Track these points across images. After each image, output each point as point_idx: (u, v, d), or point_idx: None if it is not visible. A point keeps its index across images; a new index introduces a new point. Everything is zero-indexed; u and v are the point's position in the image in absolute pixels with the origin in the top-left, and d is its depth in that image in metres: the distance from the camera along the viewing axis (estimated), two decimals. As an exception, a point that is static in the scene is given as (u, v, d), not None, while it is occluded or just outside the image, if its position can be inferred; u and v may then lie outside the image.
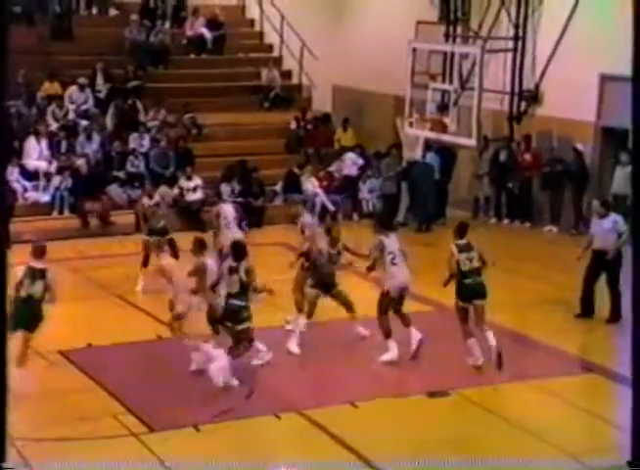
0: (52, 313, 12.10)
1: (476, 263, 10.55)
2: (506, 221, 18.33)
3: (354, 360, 10.95)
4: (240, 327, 9.87)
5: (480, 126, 17.02)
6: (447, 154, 18.58)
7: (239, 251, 10.19)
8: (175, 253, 13.69)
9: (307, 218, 12.94)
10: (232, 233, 13.48)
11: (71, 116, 18.74)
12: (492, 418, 9.58)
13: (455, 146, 18.09)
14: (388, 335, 10.65)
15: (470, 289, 10.50)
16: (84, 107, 19.04)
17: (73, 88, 19.11)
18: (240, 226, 14.75)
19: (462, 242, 10.67)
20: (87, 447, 8.67)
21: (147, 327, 11.86)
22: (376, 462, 8.53)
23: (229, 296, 9.93)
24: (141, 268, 13.67)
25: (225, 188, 18.30)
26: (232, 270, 9.96)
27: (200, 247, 10.27)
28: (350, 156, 19.45)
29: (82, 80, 19.15)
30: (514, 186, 18.13)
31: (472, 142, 17.16)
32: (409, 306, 13.05)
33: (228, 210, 14.38)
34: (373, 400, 9.75)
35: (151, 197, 14.51)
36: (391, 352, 10.65)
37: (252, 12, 22.78)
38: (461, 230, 10.81)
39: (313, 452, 8.86)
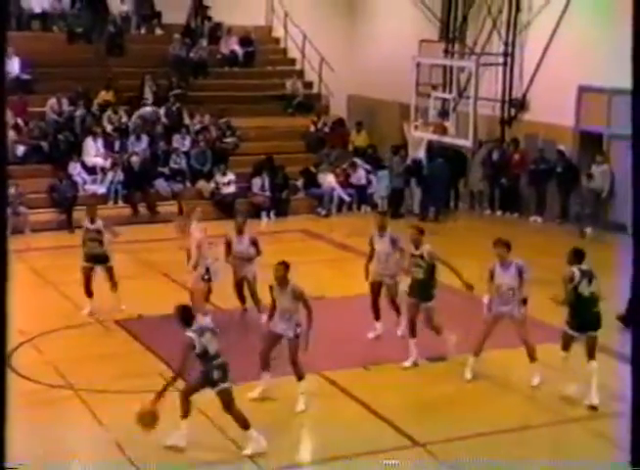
0: (107, 289, 12.31)
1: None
2: (498, 212, 18.36)
3: (364, 332, 10.81)
4: None
5: (476, 130, 17.06)
6: (459, 157, 18.51)
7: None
8: (112, 281, 11.46)
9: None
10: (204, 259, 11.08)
11: (124, 119, 18.86)
12: (481, 380, 9.63)
13: (464, 151, 18.09)
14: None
15: None
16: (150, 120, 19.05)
17: (147, 109, 19.07)
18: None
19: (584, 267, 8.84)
20: (139, 399, 8.83)
21: (188, 301, 11.98)
22: (385, 415, 8.64)
23: None
24: (85, 295, 11.46)
25: (256, 181, 18.40)
26: None
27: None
28: (361, 171, 19.23)
29: (151, 100, 19.24)
30: (504, 181, 18.19)
31: (468, 143, 17.21)
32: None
33: (195, 233, 11.16)
34: (382, 365, 9.84)
35: (92, 221, 11.54)
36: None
37: (278, 31, 22.82)
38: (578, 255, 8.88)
39: (332, 409, 8.94)
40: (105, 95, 19.10)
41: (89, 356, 10.05)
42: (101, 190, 17.51)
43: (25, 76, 18.73)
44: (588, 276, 8.64)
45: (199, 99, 19.97)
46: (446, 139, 17.48)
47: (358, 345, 10.44)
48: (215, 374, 7.56)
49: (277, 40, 23.00)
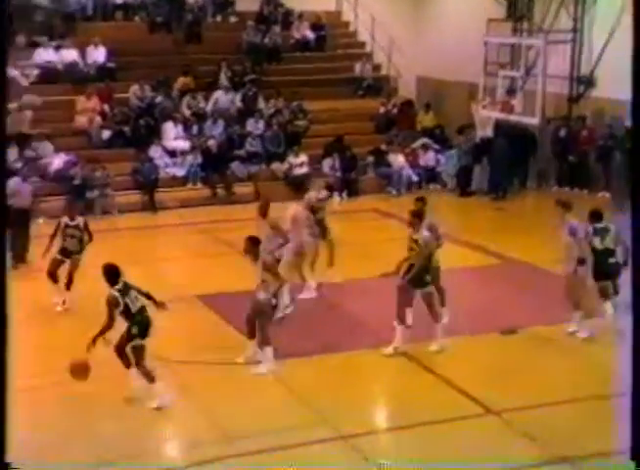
0: (189, 266, 12.57)
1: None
2: (566, 188, 18.05)
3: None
4: None
5: (544, 107, 16.76)
6: (527, 135, 18.17)
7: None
8: (71, 275, 11.15)
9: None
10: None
11: (202, 104, 19.11)
12: (552, 350, 9.60)
13: (532, 129, 17.77)
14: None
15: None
16: (225, 106, 19.18)
17: (220, 92, 19.26)
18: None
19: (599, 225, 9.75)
20: (224, 370, 9.04)
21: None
22: (459, 385, 8.69)
23: None
24: (54, 285, 11.18)
25: (327, 162, 18.45)
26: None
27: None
28: (431, 152, 19.09)
29: (226, 85, 19.32)
30: (572, 158, 17.85)
31: (535, 121, 16.93)
32: (482, 260, 13.11)
33: (299, 212, 11.44)
34: (452, 337, 9.81)
35: (72, 218, 11.28)
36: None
37: (348, 16, 22.75)
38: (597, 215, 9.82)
39: (406, 379, 9.04)
40: (183, 81, 19.34)
41: (174, 330, 10.29)
42: (180, 172, 17.77)
43: (110, 65, 19.14)
44: (601, 233, 9.60)
45: (272, 84, 20.07)
46: (513, 117, 17.23)
47: (429, 318, 10.45)
48: (133, 330, 8.04)
49: (347, 24, 22.93)
